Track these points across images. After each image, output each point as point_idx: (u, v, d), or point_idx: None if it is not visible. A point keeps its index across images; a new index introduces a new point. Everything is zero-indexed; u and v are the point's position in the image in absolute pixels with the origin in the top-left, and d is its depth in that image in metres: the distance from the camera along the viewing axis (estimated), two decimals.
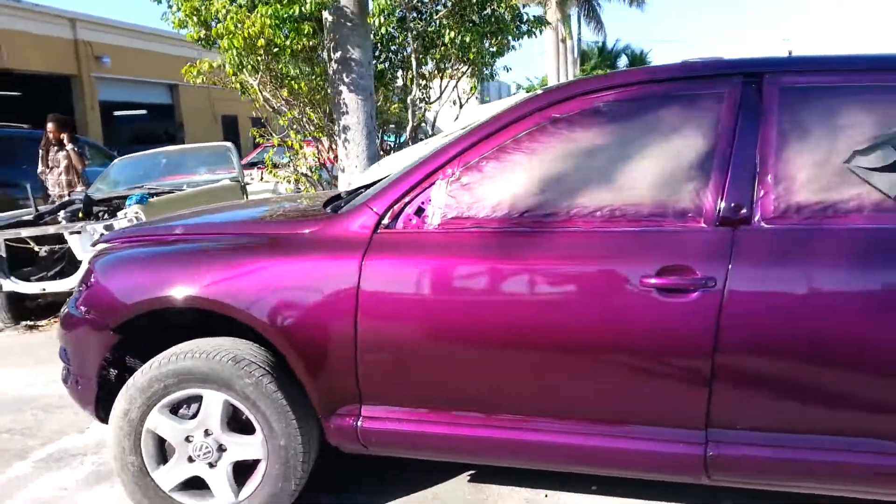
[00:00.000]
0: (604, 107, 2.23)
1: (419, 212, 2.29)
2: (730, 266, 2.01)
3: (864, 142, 2.03)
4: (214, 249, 2.45)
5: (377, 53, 6.70)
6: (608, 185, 2.18)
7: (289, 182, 6.79)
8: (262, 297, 2.30)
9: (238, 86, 6.11)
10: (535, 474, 2.78)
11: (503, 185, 2.25)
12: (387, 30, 6.30)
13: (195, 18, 5.67)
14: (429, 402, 2.29)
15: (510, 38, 6.90)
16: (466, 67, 6.86)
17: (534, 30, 7.13)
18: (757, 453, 2.06)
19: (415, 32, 6.23)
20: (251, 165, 9.89)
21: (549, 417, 2.20)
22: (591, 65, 37.61)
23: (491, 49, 6.80)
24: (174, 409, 2.45)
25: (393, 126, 8.14)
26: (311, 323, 2.27)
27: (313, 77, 6.07)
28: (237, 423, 2.44)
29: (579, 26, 34.11)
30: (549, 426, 2.20)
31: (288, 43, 5.43)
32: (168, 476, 2.46)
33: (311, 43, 5.70)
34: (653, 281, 2.04)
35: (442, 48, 5.82)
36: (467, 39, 5.88)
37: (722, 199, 2.08)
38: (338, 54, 5.14)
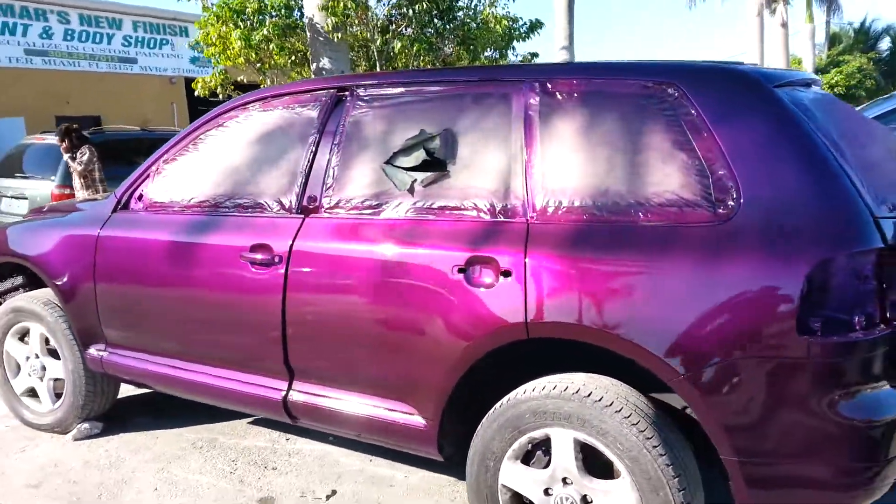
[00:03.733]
0: (245, 118, 2.77)
1: (140, 197, 2.99)
2: (292, 245, 2.43)
3: (399, 145, 2.32)
4: (29, 222, 3.40)
5: (371, 63, 7.41)
6: (238, 181, 2.74)
7: None
8: (47, 252, 3.16)
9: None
10: (285, 423, 3.30)
11: (182, 177, 2.88)
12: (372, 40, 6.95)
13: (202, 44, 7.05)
14: (141, 344, 2.98)
15: (478, 46, 7.06)
16: None
17: (525, 35, 7.19)
18: (318, 402, 2.46)
19: (378, 43, 6.79)
20: None
21: (198, 363, 2.78)
22: (840, 49, 33.03)
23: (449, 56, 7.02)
24: (22, 338, 3.43)
25: None
26: (70, 277, 3.10)
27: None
28: None
29: (828, 9, 30.12)
30: (199, 369, 2.78)
31: (263, 60, 6.45)
32: (18, 384, 3.46)
33: (293, 58, 6.63)
34: (247, 255, 2.54)
35: (399, 57, 6.27)
36: (415, 50, 6.26)
37: (303, 193, 2.50)
38: (314, 65, 5.96)
